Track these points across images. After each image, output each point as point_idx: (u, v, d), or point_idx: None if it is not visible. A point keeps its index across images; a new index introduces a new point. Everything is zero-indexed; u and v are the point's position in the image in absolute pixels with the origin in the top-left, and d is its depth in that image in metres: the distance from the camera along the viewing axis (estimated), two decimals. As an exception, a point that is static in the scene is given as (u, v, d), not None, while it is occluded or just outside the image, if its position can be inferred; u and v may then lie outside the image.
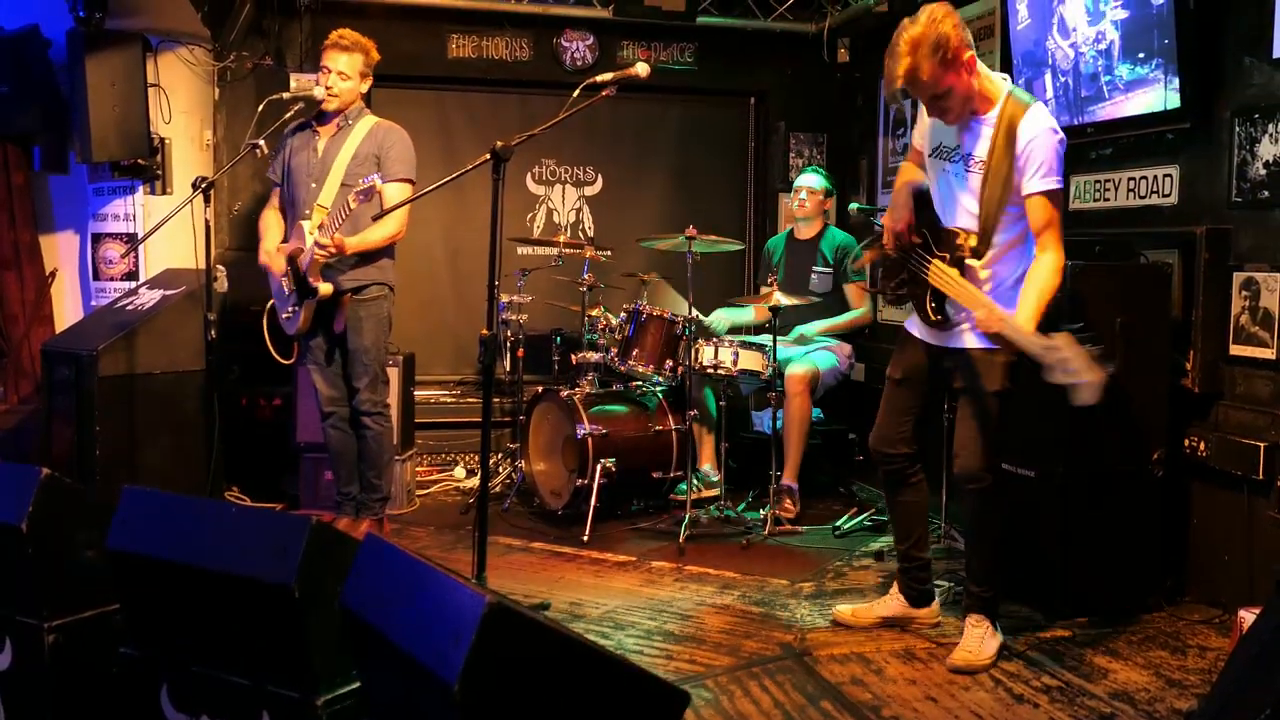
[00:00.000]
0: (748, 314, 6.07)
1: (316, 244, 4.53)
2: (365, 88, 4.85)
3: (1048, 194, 3.42)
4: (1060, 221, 3.45)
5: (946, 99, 3.44)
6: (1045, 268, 3.43)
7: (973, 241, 3.51)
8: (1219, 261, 4.18)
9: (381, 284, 4.84)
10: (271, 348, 5.04)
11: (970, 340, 3.59)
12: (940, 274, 3.53)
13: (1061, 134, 3.47)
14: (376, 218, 4.54)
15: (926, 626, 3.99)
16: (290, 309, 4.77)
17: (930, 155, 3.70)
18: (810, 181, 5.93)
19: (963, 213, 3.57)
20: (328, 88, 4.71)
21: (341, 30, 4.77)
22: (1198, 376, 4.22)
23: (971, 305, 3.38)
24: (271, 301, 4.88)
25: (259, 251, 4.87)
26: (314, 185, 4.73)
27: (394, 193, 4.67)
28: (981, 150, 3.51)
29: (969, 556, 3.87)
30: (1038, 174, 3.41)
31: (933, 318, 3.65)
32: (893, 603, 4.02)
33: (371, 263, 4.78)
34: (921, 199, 3.75)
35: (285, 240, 4.84)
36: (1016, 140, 3.43)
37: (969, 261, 3.49)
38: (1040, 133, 3.42)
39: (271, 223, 4.91)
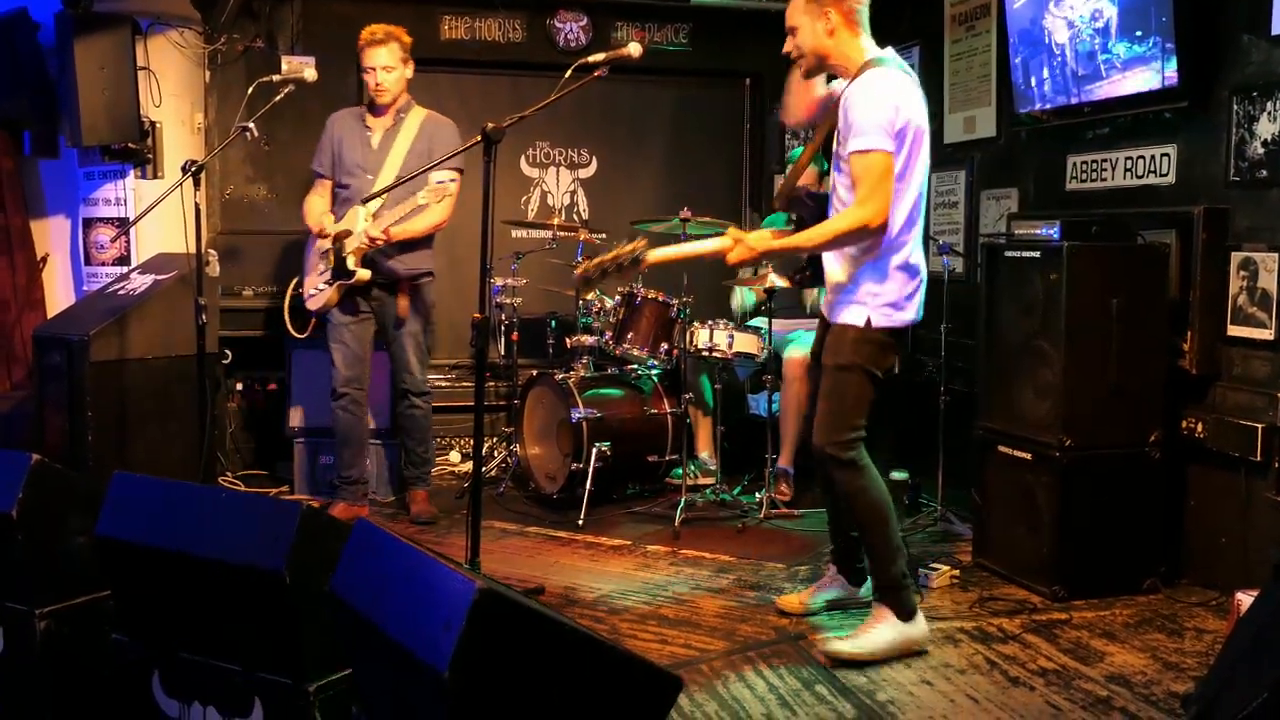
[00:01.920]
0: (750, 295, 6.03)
1: (367, 234, 4.70)
2: (410, 73, 4.97)
3: (857, 154, 3.35)
4: (879, 185, 3.33)
5: (794, 36, 3.51)
6: (833, 219, 3.44)
7: (778, 203, 3.65)
8: (1217, 241, 4.16)
9: (431, 271, 5.04)
10: (289, 322, 5.11)
11: (838, 316, 3.56)
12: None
13: (887, 94, 3.35)
14: (419, 207, 4.67)
15: (863, 603, 3.86)
16: (320, 286, 4.85)
17: None
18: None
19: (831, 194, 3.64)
20: (377, 85, 4.88)
21: (371, 26, 4.90)
22: (1195, 357, 4.20)
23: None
24: (298, 277, 4.97)
25: (309, 222, 4.98)
26: (370, 177, 4.86)
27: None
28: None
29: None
30: (850, 135, 3.37)
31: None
32: (834, 585, 3.95)
33: (424, 249, 4.98)
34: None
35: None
36: (840, 106, 3.46)
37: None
38: (853, 92, 3.39)
39: (317, 206, 5.03)
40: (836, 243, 3.46)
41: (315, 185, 5.09)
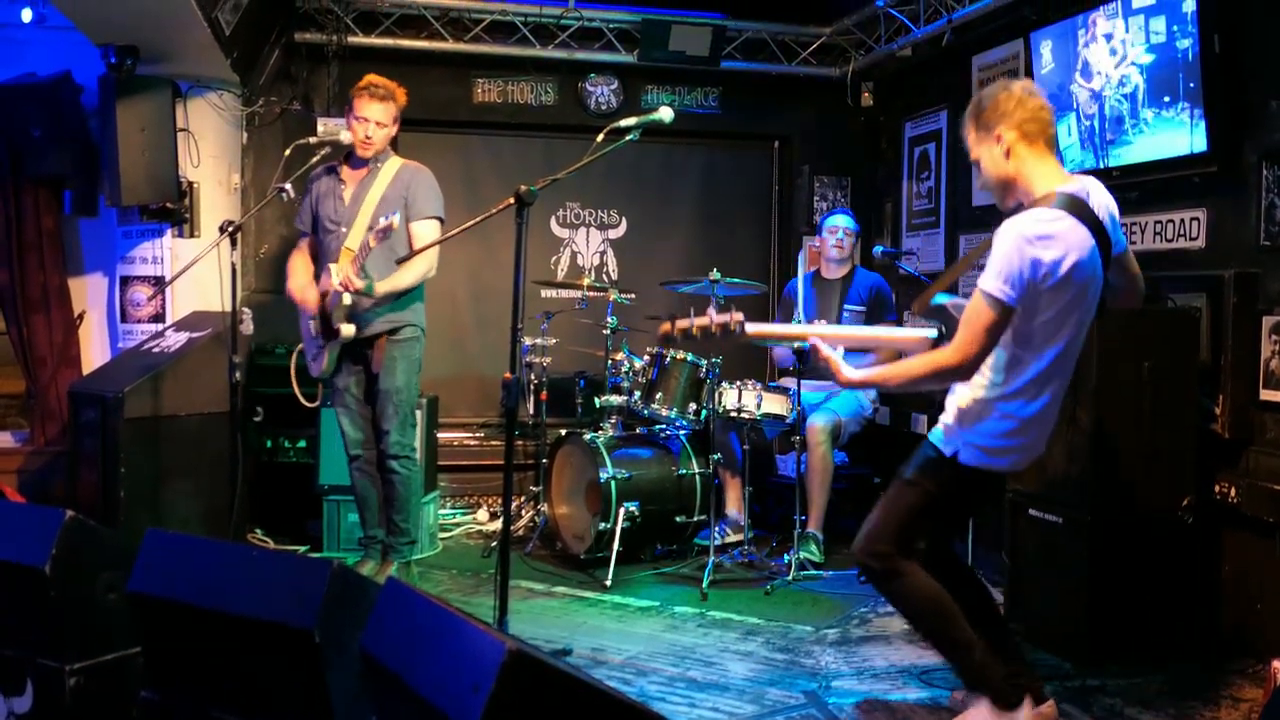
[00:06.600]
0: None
1: (340, 284, 4.56)
2: (395, 132, 4.88)
3: (981, 293, 3.03)
4: (978, 335, 3.00)
5: (978, 168, 3.29)
6: (922, 359, 3.14)
7: (917, 307, 3.34)
8: (1247, 305, 4.15)
9: (414, 325, 4.85)
10: (298, 390, 5.05)
11: (931, 433, 3.37)
12: None
13: (1032, 244, 3.00)
14: (403, 259, 4.56)
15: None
16: (315, 350, 4.80)
17: None
18: (847, 222, 5.94)
19: None
20: (366, 138, 4.73)
21: (373, 78, 4.77)
22: (1227, 422, 4.17)
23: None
24: (301, 345, 4.91)
25: (288, 287, 4.87)
26: (343, 230, 4.75)
27: (424, 231, 4.71)
28: None
29: None
30: (985, 269, 3.06)
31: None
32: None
33: (405, 305, 4.80)
34: None
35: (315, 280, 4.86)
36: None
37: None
38: (1003, 231, 3.06)
39: (299, 264, 4.93)
40: (920, 383, 3.17)
41: (298, 243, 5.00)
